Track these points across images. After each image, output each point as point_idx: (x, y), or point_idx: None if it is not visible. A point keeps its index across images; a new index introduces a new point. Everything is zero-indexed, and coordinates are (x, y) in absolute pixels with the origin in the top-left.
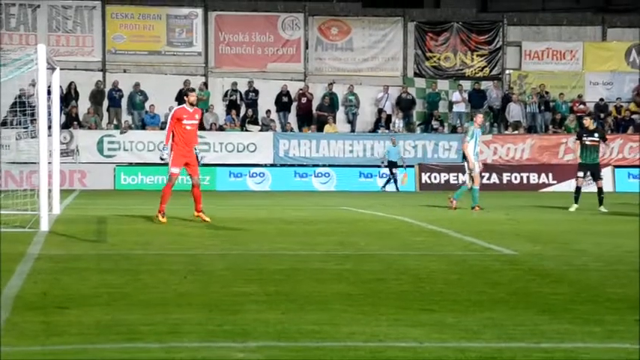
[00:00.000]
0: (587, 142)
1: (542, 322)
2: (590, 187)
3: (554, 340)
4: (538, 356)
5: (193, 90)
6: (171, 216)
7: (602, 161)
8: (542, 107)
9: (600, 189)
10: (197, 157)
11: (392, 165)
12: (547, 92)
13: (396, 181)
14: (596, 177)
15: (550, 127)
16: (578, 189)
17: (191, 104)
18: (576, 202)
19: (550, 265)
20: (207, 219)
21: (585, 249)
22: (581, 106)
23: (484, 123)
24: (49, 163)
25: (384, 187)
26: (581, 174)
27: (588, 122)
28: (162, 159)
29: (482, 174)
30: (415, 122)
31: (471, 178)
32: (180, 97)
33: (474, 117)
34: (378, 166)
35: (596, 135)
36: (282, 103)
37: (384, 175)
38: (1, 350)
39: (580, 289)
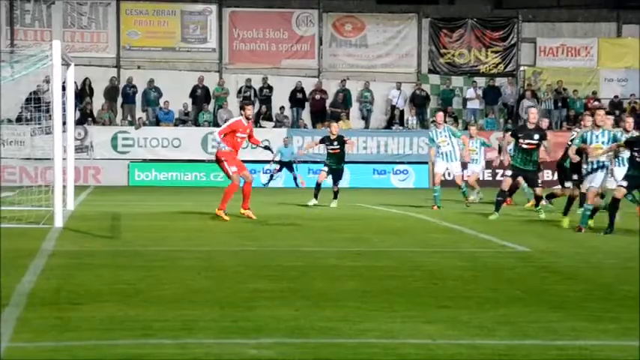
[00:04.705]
0: None
1: (557, 320)
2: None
3: (568, 338)
4: (552, 354)
5: (250, 103)
6: (188, 211)
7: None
8: (560, 104)
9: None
10: (268, 148)
11: (283, 165)
12: (565, 89)
13: (295, 179)
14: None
15: (564, 123)
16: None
17: (247, 118)
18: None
19: (564, 262)
20: (253, 216)
21: (598, 246)
22: (596, 103)
23: (444, 121)
24: (64, 159)
25: (296, 185)
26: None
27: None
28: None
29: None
30: (429, 119)
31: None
32: (194, 94)
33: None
34: (393, 163)
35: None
36: (296, 99)
37: (267, 172)
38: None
39: (594, 287)
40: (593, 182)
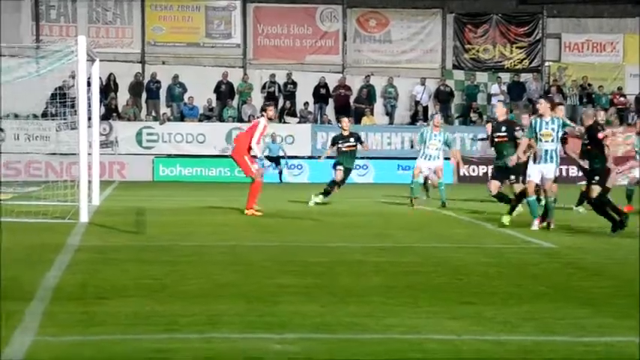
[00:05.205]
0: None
1: (583, 316)
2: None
3: (595, 334)
4: (579, 350)
5: (272, 104)
6: (213, 206)
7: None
8: (585, 99)
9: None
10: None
11: (272, 160)
12: (590, 84)
13: (280, 174)
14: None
15: None
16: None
17: (270, 119)
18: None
19: (590, 258)
20: (258, 213)
21: (622, 242)
22: (622, 99)
23: (440, 124)
24: (89, 154)
25: (281, 180)
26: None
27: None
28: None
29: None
30: (453, 115)
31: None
32: (219, 89)
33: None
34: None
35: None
36: (320, 95)
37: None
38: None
39: (621, 283)
40: (532, 175)
